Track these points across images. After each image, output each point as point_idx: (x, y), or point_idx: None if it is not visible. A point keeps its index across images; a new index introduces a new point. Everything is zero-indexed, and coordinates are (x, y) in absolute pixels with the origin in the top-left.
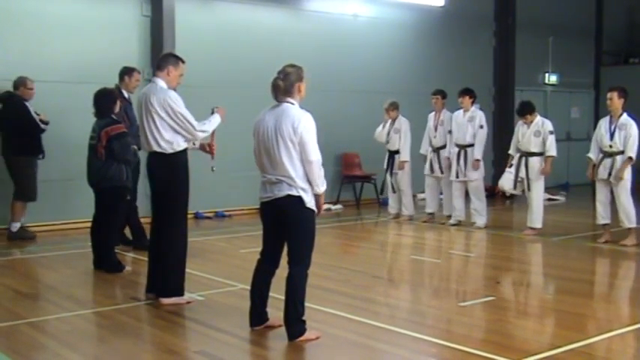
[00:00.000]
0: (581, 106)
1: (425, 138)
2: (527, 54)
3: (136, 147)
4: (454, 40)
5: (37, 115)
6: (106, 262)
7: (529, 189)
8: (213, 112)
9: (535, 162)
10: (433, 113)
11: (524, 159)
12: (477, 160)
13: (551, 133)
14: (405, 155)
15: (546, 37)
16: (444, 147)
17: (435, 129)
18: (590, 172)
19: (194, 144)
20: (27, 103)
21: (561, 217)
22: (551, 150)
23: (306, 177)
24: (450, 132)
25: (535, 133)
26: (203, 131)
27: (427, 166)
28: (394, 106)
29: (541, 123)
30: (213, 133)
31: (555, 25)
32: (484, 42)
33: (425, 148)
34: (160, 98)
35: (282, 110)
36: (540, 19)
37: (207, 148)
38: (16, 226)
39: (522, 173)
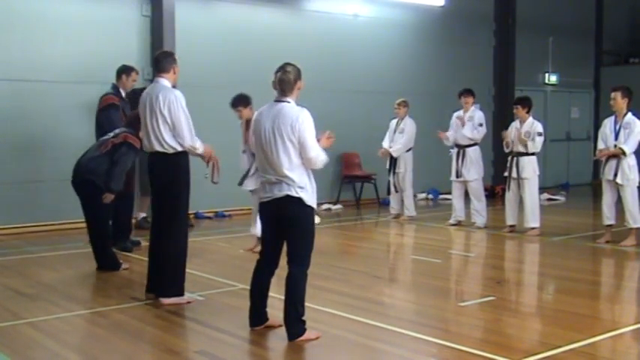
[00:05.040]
0: (581, 106)
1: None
2: (527, 54)
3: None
4: (454, 40)
5: None
6: (102, 260)
7: (522, 188)
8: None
9: (525, 161)
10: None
11: (515, 159)
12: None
13: (539, 134)
14: (395, 149)
15: (546, 37)
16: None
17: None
18: (598, 154)
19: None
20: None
21: (561, 217)
22: (532, 147)
23: (304, 176)
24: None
25: (525, 134)
26: (192, 139)
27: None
28: (403, 104)
29: (532, 124)
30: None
31: (555, 25)
32: (484, 42)
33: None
34: (166, 97)
35: (279, 110)
36: (540, 19)
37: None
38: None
39: (514, 173)
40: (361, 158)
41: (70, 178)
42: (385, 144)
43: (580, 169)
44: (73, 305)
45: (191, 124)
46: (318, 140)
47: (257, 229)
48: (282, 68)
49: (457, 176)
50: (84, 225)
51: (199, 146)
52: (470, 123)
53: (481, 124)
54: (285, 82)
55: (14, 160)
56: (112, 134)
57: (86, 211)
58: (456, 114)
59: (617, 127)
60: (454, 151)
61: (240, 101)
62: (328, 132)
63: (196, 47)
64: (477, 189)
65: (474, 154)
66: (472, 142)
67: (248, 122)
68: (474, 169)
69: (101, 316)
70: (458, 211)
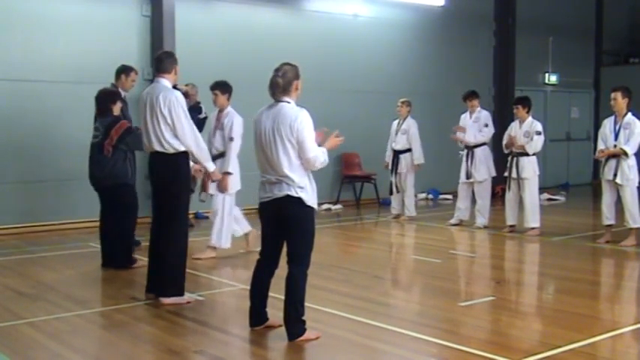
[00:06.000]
0: (581, 106)
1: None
2: (527, 54)
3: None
4: (454, 40)
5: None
6: (118, 259)
7: (522, 189)
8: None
9: (525, 161)
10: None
11: (515, 159)
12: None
13: (538, 133)
14: (417, 157)
15: (546, 37)
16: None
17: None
18: (599, 154)
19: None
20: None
21: (561, 217)
22: (531, 148)
23: (304, 176)
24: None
25: (525, 134)
26: (196, 141)
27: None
28: (406, 104)
29: (532, 123)
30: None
31: (555, 25)
32: (484, 42)
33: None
34: (166, 97)
35: (279, 110)
36: (540, 19)
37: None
38: None
39: (514, 174)
40: (361, 158)
41: (70, 179)
42: (389, 147)
43: (580, 169)
44: (73, 305)
45: (192, 124)
46: (321, 142)
47: (225, 240)
48: (277, 70)
49: (467, 177)
50: (84, 225)
51: (207, 160)
52: (476, 125)
53: (486, 125)
54: (276, 85)
55: (14, 160)
56: (99, 135)
57: (113, 211)
58: (463, 116)
59: (617, 128)
60: (464, 152)
61: (219, 85)
62: (336, 132)
63: (196, 47)
64: (484, 189)
65: (482, 153)
66: (480, 142)
67: (220, 113)
68: (483, 169)
69: (101, 316)
70: (462, 211)
